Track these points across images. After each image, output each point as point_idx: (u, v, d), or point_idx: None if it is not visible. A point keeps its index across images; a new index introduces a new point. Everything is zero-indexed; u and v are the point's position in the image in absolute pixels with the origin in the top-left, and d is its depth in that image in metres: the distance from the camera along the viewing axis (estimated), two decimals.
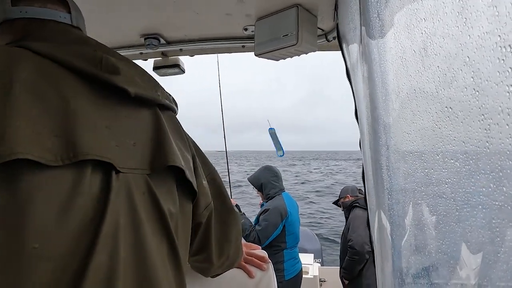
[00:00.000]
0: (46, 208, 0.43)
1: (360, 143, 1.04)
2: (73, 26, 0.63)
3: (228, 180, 3.51)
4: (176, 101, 0.72)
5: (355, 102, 0.95)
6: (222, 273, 0.98)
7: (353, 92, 0.98)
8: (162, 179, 0.59)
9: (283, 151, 3.10)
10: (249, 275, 1.05)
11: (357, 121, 1.06)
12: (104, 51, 0.57)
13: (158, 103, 0.63)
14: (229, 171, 3.61)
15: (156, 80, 0.66)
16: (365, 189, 0.98)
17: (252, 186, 3.03)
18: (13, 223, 0.41)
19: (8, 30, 0.58)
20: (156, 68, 1.53)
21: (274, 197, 2.85)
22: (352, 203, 3.02)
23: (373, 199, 0.74)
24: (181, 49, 1.47)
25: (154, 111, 0.62)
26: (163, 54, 1.51)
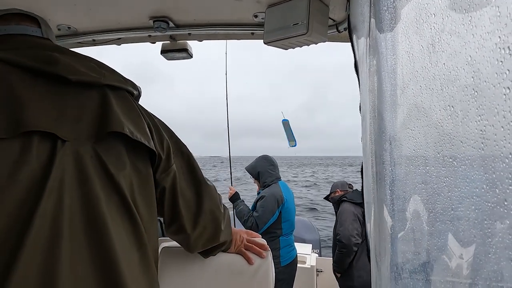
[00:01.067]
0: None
1: (362, 137, 1.03)
2: (43, 38, 0.78)
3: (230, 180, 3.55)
4: (138, 86, 0.85)
5: (360, 95, 0.94)
6: (207, 250, 1.01)
7: (359, 85, 0.97)
8: (110, 145, 0.71)
9: (295, 142, 3.13)
10: (249, 261, 1.07)
11: (361, 114, 1.05)
12: (55, 51, 0.71)
13: (105, 84, 0.75)
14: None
15: (110, 68, 0.79)
16: (362, 183, 0.98)
17: (249, 175, 3.07)
18: None
19: None
20: (163, 51, 1.52)
21: (270, 185, 2.90)
22: (341, 198, 3.03)
23: (371, 193, 0.74)
24: (189, 34, 1.46)
25: (102, 91, 0.74)
26: (172, 37, 1.50)
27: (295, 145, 3.19)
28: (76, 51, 0.78)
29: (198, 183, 0.91)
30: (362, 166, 0.93)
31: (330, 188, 3.38)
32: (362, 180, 1.00)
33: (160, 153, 0.80)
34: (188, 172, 0.90)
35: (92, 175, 0.66)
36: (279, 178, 2.99)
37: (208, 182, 0.95)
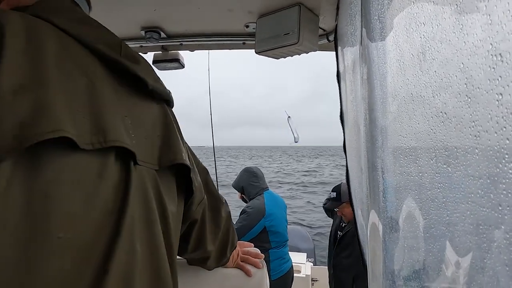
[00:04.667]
0: (73, 194, 0.39)
1: (344, 145, 1.03)
2: (74, 3, 0.58)
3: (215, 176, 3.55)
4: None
5: (341, 105, 0.95)
6: (219, 266, 0.98)
7: (340, 95, 0.97)
8: (166, 176, 0.57)
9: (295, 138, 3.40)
10: (247, 274, 1.04)
11: (342, 123, 1.05)
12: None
13: (165, 99, 0.61)
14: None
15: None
16: (349, 191, 0.98)
17: (237, 191, 2.99)
18: (37, 210, 0.36)
19: None
20: (155, 61, 1.52)
21: (254, 198, 2.80)
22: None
23: (362, 200, 0.74)
24: (181, 44, 1.46)
25: (162, 106, 0.60)
26: (163, 48, 1.50)
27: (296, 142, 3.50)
28: None
29: (216, 201, 0.83)
30: (347, 174, 0.93)
31: (331, 190, 2.63)
32: (349, 188, 1.00)
33: (199, 186, 0.69)
34: (208, 192, 0.79)
35: (155, 215, 0.51)
36: (264, 189, 2.85)
37: (220, 195, 0.88)
